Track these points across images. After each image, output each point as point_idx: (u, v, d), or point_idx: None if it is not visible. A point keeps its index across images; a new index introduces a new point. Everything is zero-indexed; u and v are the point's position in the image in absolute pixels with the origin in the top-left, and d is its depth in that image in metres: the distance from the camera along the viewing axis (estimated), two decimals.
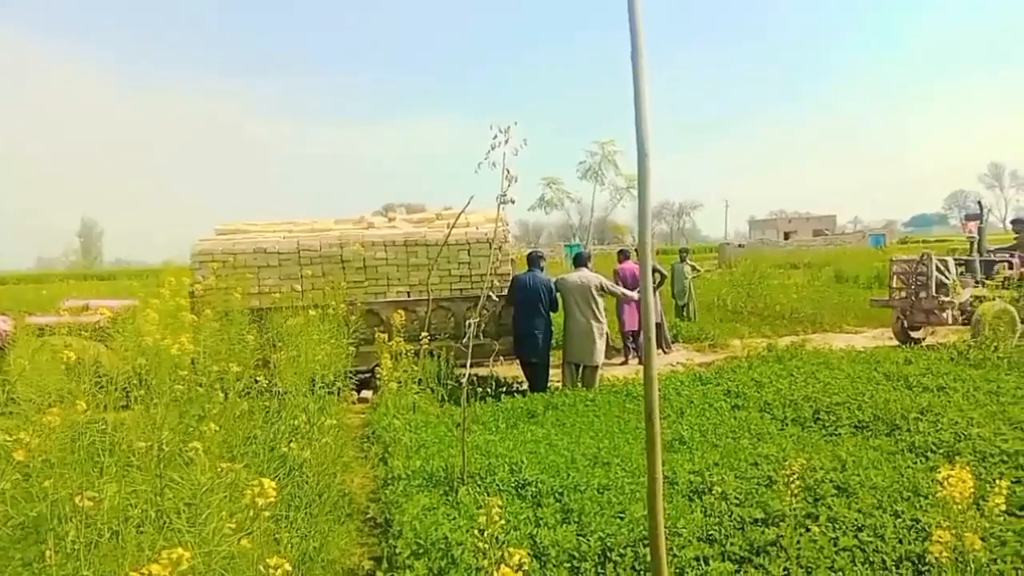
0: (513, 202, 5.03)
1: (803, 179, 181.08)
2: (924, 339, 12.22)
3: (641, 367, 10.07)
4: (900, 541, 3.87)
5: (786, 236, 66.54)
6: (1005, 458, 4.91)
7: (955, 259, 11.95)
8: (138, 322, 6.42)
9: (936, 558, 2.73)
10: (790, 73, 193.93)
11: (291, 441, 5.77)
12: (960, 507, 2.55)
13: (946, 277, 11.29)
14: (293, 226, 10.00)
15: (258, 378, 6.36)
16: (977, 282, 11.58)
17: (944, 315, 11.08)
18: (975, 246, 12.23)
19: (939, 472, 2.63)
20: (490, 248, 7.62)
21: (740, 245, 49.76)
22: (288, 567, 2.06)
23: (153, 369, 5.76)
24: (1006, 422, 5.67)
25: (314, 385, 6.52)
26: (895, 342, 12.05)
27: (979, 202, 15.01)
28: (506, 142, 4.95)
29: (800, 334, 13.64)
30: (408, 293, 9.40)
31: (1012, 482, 4.46)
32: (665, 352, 12.58)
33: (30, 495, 4.29)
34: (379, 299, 9.25)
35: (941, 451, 5.23)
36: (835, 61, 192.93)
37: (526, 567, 3.64)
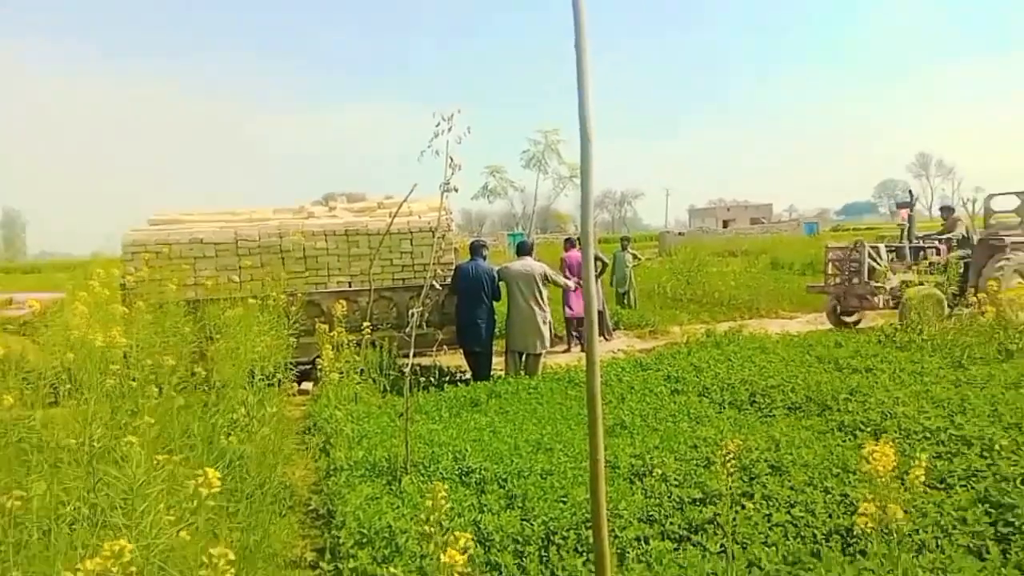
0: (456, 190, 5.03)
1: (741, 169, 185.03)
2: (857, 323, 12.65)
3: (584, 355, 10.21)
4: (830, 516, 4.02)
5: (725, 224, 68.04)
6: (927, 434, 5.14)
7: (886, 246, 12.39)
8: (66, 315, 6.21)
9: (862, 529, 2.86)
10: (731, 65, 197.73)
11: (230, 434, 5.67)
12: (884, 480, 2.67)
13: (877, 263, 11.71)
14: (231, 216, 9.78)
15: (195, 371, 6.21)
16: (907, 268, 12.04)
17: (876, 300, 11.50)
18: (905, 233, 12.68)
19: (865, 449, 2.74)
20: (433, 237, 7.58)
21: (680, 233, 50.66)
22: (231, 556, 2.03)
23: (82, 363, 5.58)
24: (929, 401, 5.93)
25: (253, 377, 6.40)
26: (828, 326, 12.46)
27: (909, 191, 15.55)
28: (449, 130, 4.94)
29: (738, 320, 13.99)
30: (350, 283, 9.30)
31: (933, 456, 4.68)
32: (607, 339, 12.75)
33: None
34: (320, 289, 9.13)
35: (868, 429, 5.44)
36: (774, 55, 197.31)
37: (471, 551, 3.67)
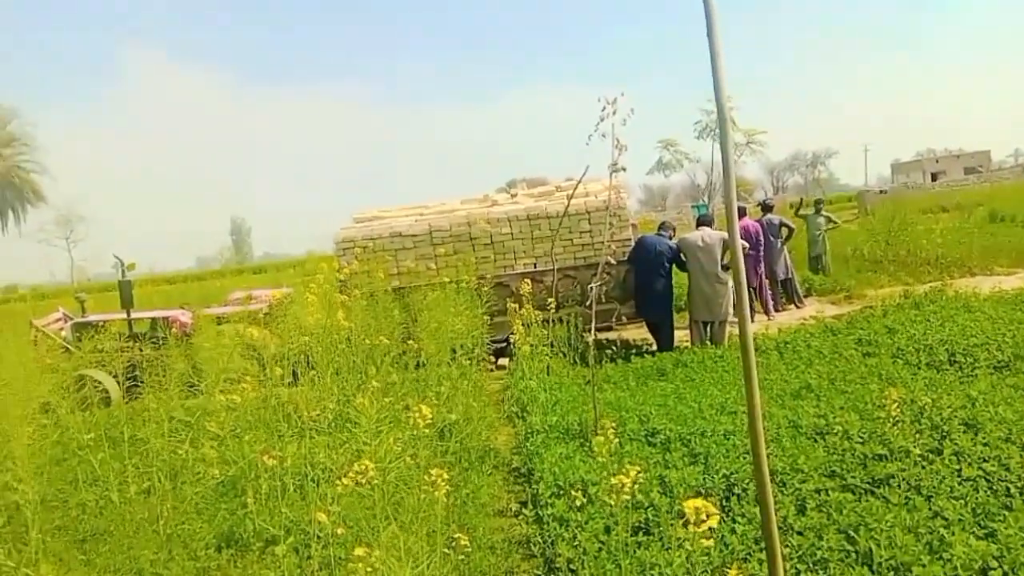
0: (625, 170, 5.34)
1: (956, 115, 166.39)
2: None
3: (770, 321, 10.10)
4: None
5: (934, 177, 62.01)
6: None
7: None
8: (296, 306, 7.27)
9: None
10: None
11: (440, 405, 6.40)
12: None
13: None
14: (424, 209, 10.69)
15: (405, 350, 7.02)
16: None
17: None
18: None
19: None
20: (607, 216, 7.92)
21: (882, 191, 46.90)
22: (446, 475, 2.54)
23: (314, 346, 6.57)
24: None
25: (455, 354, 7.12)
26: None
27: None
28: (614, 112, 5.26)
29: (944, 279, 13.03)
30: (535, 264, 9.87)
31: None
32: (798, 307, 12.43)
33: (224, 459, 5.11)
34: (508, 271, 9.79)
35: None
36: None
37: (657, 502, 4.04)
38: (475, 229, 9.81)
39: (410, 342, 7.11)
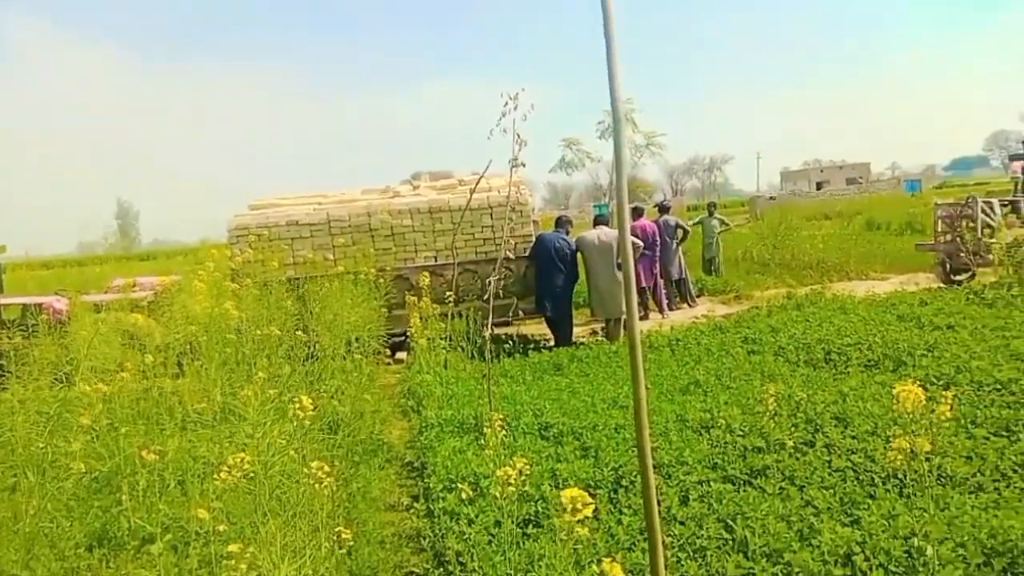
0: (524, 165, 5.38)
1: (839, 129, 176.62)
2: (970, 280, 12.25)
3: (663, 319, 10.38)
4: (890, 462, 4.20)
5: (818, 186, 65.57)
6: (998, 386, 5.18)
7: (999, 200, 11.93)
8: (184, 295, 6.95)
9: (916, 471, 3.09)
10: (823, 25, 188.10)
11: (332, 398, 6.26)
12: (912, 417, 2.88)
13: (991, 219, 11.32)
14: (323, 198, 10.44)
15: (297, 342, 6.83)
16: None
17: (991, 256, 11.12)
18: (1020, 186, 12.14)
19: (896, 389, 2.95)
20: (506, 211, 7.96)
21: (771, 198, 49.20)
22: (327, 468, 2.48)
23: (202, 336, 6.29)
24: (1006, 355, 5.92)
25: (350, 347, 6.98)
26: (920, 287, 12.15)
27: (1023, 141, 14.86)
28: (515, 108, 5.28)
29: (824, 283, 13.79)
30: (435, 258, 9.81)
31: (1001, 406, 4.78)
32: (690, 306, 12.86)
33: (99, 454, 4.83)
34: (408, 264, 9.69)
35: (941, 382, 5.50)
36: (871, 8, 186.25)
37: (547, 494, 4.08)
38: (375, 220, 9.66)
39: (302, 333, 6.93)
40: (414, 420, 6.53)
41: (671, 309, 12.42)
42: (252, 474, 2.36)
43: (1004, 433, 4.44)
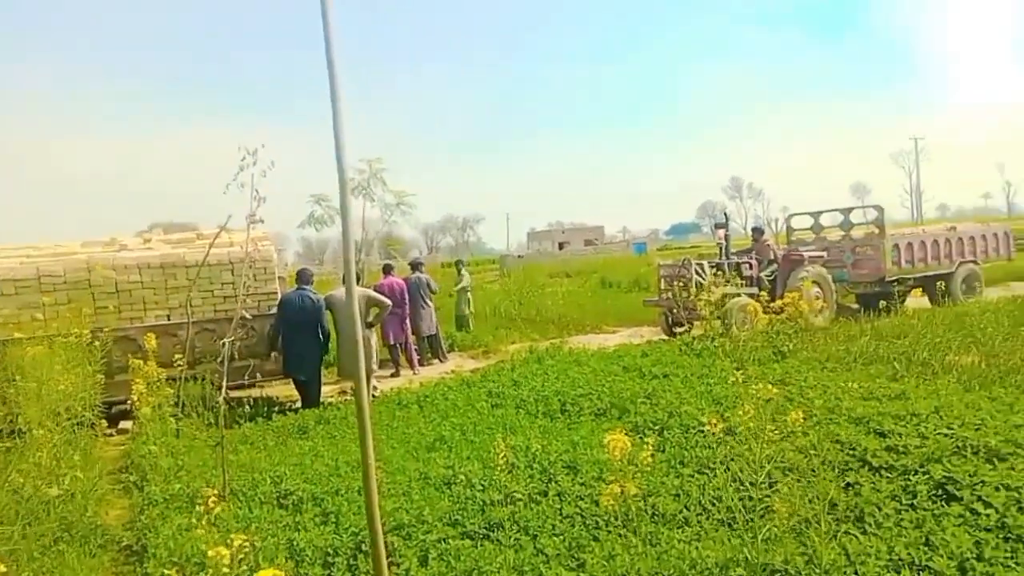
0: (262, 221, 5.20)
1: (581, 195, 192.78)
2: (688, 332, 13.71)
3: (414, 375, 10.42)
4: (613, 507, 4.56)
5: (560, 246, 70.82)
6: (702, 428, 5.85)
7: (708, 262, 13.59)
8: None
9: (625, 512, 3.37)
10: (562, 96, 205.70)
11: (35, 479, 5.47)
12: (621, 463, 3.18)
13: (702, 278, 12.82)
14: (33, 250, 9.26)
15: None
16: (727, 282, 13.23)
17: (702, 311, 12.57)
18: (723, 251, 13.93)
19: (606, 438, 3.24)
20: (249, 267, 7.63)
21: (519, 256, 52.31)
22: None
23: None
24: (709, 400, 6.73)
25: (60, 419, 6.17)
26: (645, 339, 13.47)
27: (724, 212, 17.16)
28: (254, 163, 5.12)
29: (564, 336, 14.78)
30: (168, 316, 9.08)
31: (703, 447, 5.40)
32: (441, 361, 13.10)
33: None
34: (135, 324, 8.85)
35: (656, 427, 6.11)
36: (602, 93, 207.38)
37: (281, 567, 3.87)
38: (95, 275, 8.73)
39: (2, 407, 6.02)
40: (136, 497, 5.89)
41: (422, 365, 12.57)
42: None
43: (706, 471, 5.01)
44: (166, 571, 3.42)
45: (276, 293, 9.42)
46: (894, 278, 14.44)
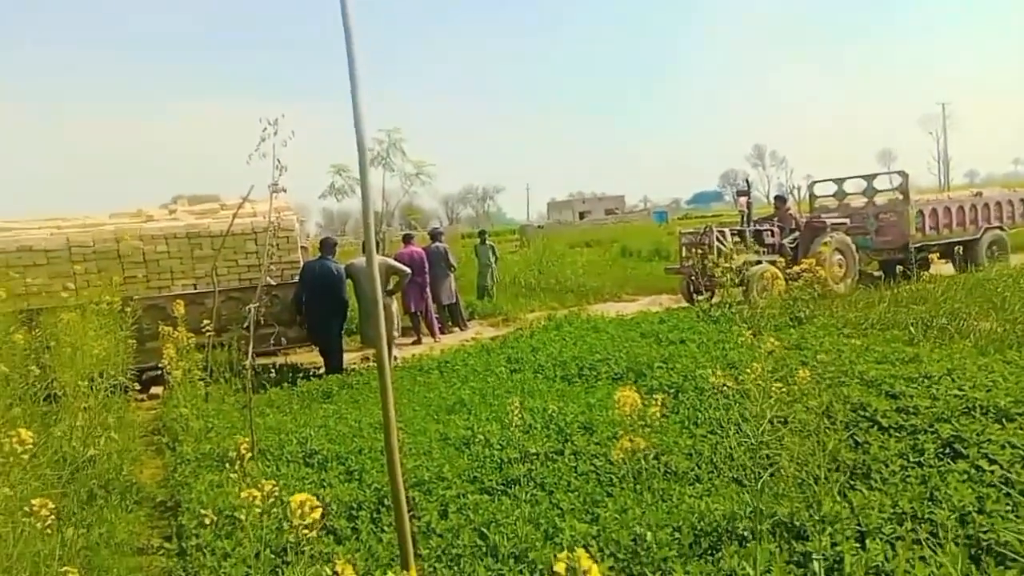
0: (284, 191, 5.33)
1: (603, 164, 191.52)
2: (710, 299, 13.76)
3: (435, 343, 10.61)
4: (626, 462, 4.69)
5: (581, 216, 70.59)
6: (716, 390, 5.97)
7: (730, 230, 13.57)
8: None
9: (638, 469, 3.50)
10: (583, 70, 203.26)
11: (71, 440, 5.70)
12: (632, 419, 3.31)
13: (724, 245, 12.83)
14: (62, 222, 9.50)
15: (32, 380, 6.16)
16: (749, 249, 13.23)
17: (724, 279, 12.60)
18: (744, 218, 13.90)
19: (616, 394, 3.37)
20: (273, 236, 7.80)
21: (540, 226, 52.27)
22: (51, 505, 2.32)
23: None
24: (724, 364, 6.83)
25: (94, 384, 6.40)
26: (664, 307, 13.54)
27: (746, 180, 17.04)
28: (275, 133, 5.24)
29: (582, 305, 14.88)
30: (195, 285, 9.30)
31: (715, 408, 5.52)
32: (461, 329, 13.28)
33: None
34: (163, 293, 9.08)
35: (672, 390, 6.23)
36: (629, 63, 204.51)
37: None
38: (124, 246, 8.96)
39: (36, 370, 6.25)
40: (168, 457, 6.14)
41: (443, 333, 12.75)
42: None
43: (718, 432, 5.14)
44: (215, 518, 3.60)
45: (298, 262, 9.60)
46: (918, 244, 14.34)
